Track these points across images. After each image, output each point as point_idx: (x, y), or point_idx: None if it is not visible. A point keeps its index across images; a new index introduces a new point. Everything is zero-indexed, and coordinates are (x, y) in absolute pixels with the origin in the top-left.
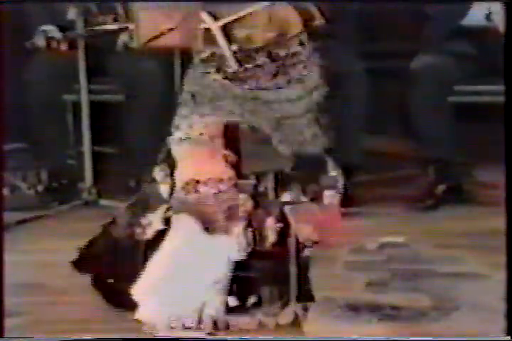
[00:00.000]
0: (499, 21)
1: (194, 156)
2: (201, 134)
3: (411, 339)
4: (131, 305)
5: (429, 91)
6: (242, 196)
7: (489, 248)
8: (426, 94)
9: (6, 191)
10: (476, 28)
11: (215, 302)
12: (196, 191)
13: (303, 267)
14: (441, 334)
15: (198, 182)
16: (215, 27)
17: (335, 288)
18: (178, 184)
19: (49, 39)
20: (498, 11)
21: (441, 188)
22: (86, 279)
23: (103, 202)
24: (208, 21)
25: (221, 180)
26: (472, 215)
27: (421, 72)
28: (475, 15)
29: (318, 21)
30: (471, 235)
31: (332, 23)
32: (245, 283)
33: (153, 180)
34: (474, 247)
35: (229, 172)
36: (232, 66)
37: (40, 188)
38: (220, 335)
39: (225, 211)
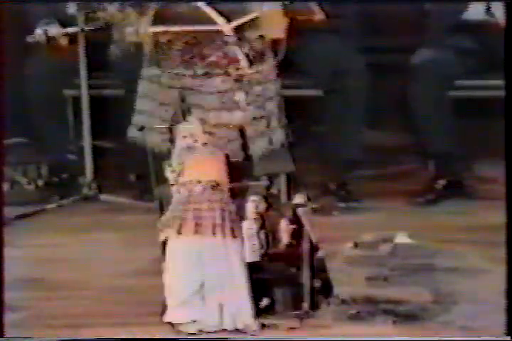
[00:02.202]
0: (499, 15)
1: (193, 160)
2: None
3: (411, 339)
4: None
5: (429, 86)
6: (254, 197)
7: (489, 242)
8: (426, 89)
9: (6, 186)
10: (476, 22)
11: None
12: (190, 191)
13: (318, 268)
14: (441, 328)
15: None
16: (228, 28)
17: (336, 282)
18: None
19: (49, 34)
20: (498, 5)
21: (441, 183)
22: (86, 274)
23: (103, 196)
24: (220, 23)
25: (214, 183)
26: (472, 210)
27: (421, 66)
28: (475, 10)
29: (319, 16)
30: (471, 229)
31: (332, 18)
32: (258, 285)
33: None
34: (474, 242)
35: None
36: (244, 66)
37: (40, 183)
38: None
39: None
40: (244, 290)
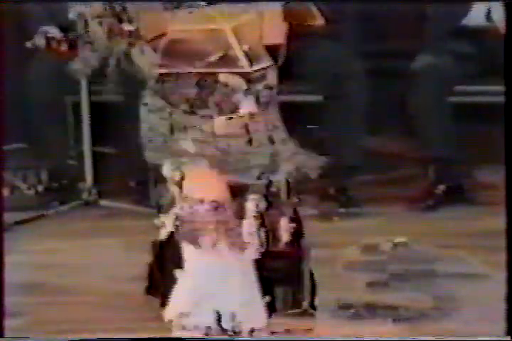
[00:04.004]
0: (499, 21)
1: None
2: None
3: (411, 339)
4: None
5: (429, 92)
6: (254, 196)
7: (489, 248)
8: (426, 94)
9: (6, 191)
10: (476, 27)
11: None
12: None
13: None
14: (442, 334)
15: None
16: (227, 27)
17: (336, 288)
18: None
19: (49, 39)
20: (498, 10)
21: (441, 188)
22: (86, 279)
23: (103, 202)
24: (219, 22)
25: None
26: (472, 215)
27: (421, 72)
28: (475, 15)
29: (318, 21)
30: (471, 235)
31: (332, 23)
32: (258, 283)
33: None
34: (474, 247)
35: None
36: (244, 66)
37: (40, 188)
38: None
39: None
40: (254, 289)
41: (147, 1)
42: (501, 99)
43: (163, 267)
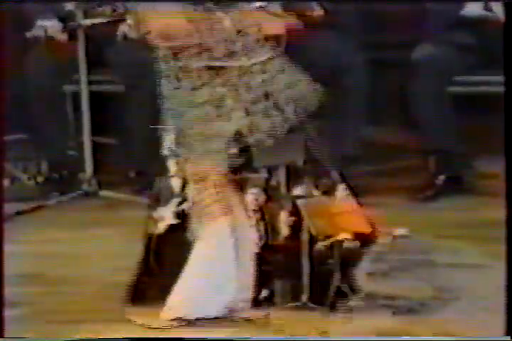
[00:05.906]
0: (499, 11)
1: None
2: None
3: (411, 338)
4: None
5: (429, 82)
6: (254, 190)
7: (489, 238)
8: (426, 85)
9: (6, 182)
10: (475, 18)
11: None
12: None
13: (316, 261)
14: (442, 324)
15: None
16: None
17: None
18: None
19: (49, 29)
20: (497, 1)
21: (441, 179)
22: (86, 269)
23: (103, 193)
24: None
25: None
26: (472, 205)
27: (421, 62)
28: (475, 5)
29: (318, 13)
30: (471, 225)
31: (332, 14)
32: (258, 276)
33: (165, 173)
34: (474, 237)
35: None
36: (243, 59)
37: (40, 179)
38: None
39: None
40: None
41: (147, 1)
42: (501, 89)
43: (160, 261)
